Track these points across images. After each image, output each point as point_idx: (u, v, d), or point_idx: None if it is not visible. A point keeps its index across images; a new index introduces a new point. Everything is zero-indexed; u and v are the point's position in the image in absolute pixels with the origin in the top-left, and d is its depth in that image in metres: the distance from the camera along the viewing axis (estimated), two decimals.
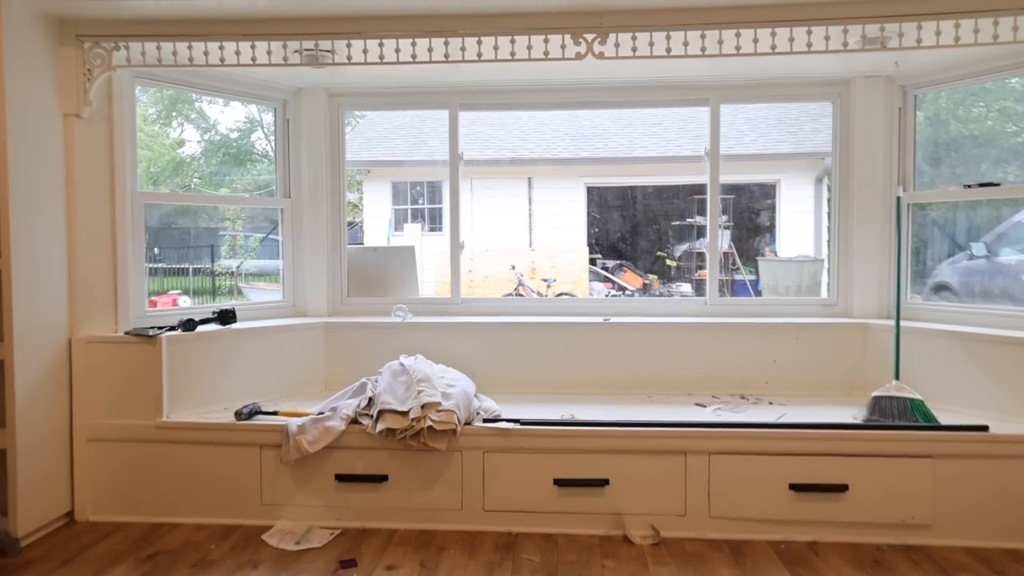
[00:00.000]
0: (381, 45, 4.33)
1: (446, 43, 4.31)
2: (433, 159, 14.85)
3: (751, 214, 16.40)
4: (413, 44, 4.32)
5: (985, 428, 4.11)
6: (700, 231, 15.52)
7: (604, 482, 4.23)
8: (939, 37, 4.07)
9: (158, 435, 4.43)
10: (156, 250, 11.66)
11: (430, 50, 4.33)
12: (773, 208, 15.96)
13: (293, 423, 4.30)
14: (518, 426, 4.30)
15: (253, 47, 4.37)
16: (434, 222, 16.96)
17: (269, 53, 4.44)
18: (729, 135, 13.12)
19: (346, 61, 4.44)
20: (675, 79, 5.36)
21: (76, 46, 4.31)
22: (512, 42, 4.27)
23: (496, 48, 4.28)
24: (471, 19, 4.23)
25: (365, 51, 4.36)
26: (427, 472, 4.31)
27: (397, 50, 4.36)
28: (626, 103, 5.87)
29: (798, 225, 15.14)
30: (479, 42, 4.28)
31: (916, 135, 5.24)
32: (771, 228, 16.03)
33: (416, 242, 13.77)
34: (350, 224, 14.35)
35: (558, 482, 4.25)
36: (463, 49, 4.37)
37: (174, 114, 15.48)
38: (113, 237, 4.56)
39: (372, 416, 4.32)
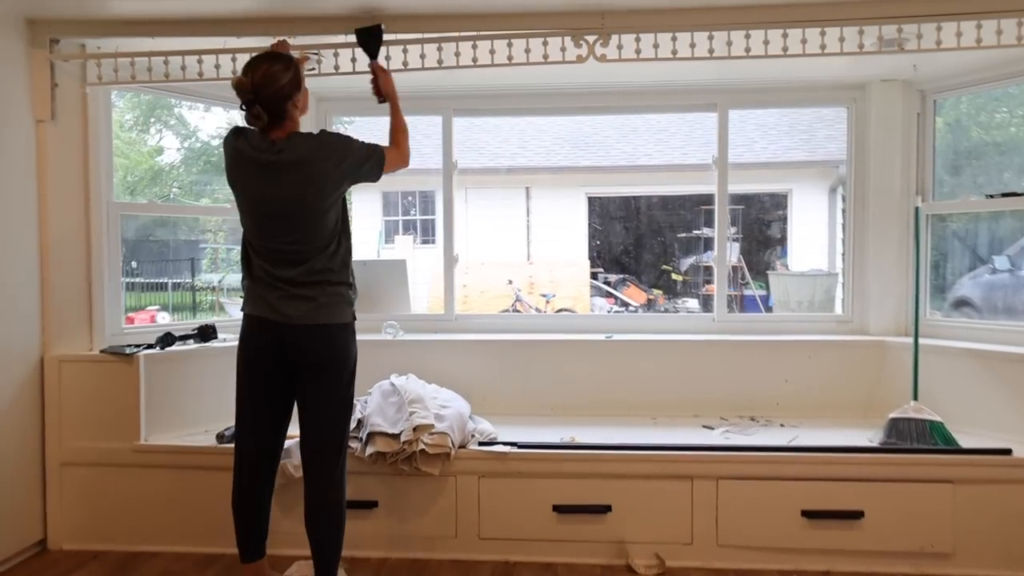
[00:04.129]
0: None
1: (439, 48, 4.32)
2: (426, 167, 14.71)
3: (761, 225, 16.43)
4: (404, 51, 4.35)
5: (1008, 452, 4.12)
6: (707, 243, 15.54)
7: (606, 508, 4.24)
8: (960, 39, 4.08)
9: (136, 459, 4.43)
10: (133, 264, 11.66)
11: (422, 56, 4.35)
12: (784, 219, 15.99)
13: None
14: (515, 449, 4.31)
15: (234, 59, 4.38)
16: (427, 234, 16.97)
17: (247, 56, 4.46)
18: (738, 142, 13.14)
19: (333, 71, 4.45)
20: (681, 83, 5.38)
21: (48, 49, 4.33)
22: (509, 45, 4.28)
23: (492, 52, 4.29)
24: (465, 19, 4.24)
25: (354, 59, 4.37)
26: (419, 498, 4.32)
27: (387, 57, 4.37)
28: (629, 108, 5.91)
29: (811, 237, 15.16)
30: (474, 46, 4.29)
31: (935, 142, 5.26)
32: (782, 240, 16.05)
33: (408, 255, 13.77)
34: None
35: (557, 508, 4.25)
36: (457, 55, 4.38)
37: (152, 120, 15.48)
38: (88, 250, 4.57)
39: (361, 439, 4.32)
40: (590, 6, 4.14)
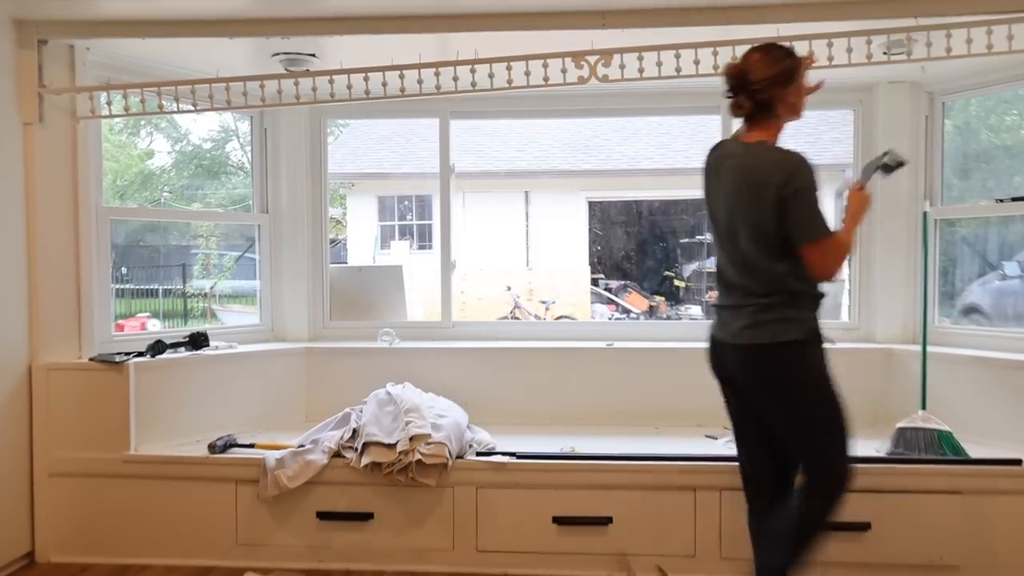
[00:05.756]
0: (367, 79, 4.40)
1: (436, 73, 4.35)
2: (423, 171, 14.87)
3: None
4: (401, 76, 4.36)
5: (1019, 462, 4.12)
6: (711, 249, 15.55)
7: (607, 520, 4.24)
8: (970, 45, 4.00)
9: (125, 469, 4.43)
10: (123, 270, 11.66)
11: (419, 82, 4.39)
12: None
13: (271, 456, 4.30)
14: (514, 459, 4.31)
15: (227, 88, 4.43)
16: (423, 239, 16.99)
17: (245, 95, 4.48)
18: None
19: (327, 79, 4.45)
20: (683, 85, 5.38)
21: (37, 50, 4.34)
22: (508, 68, 4.32)
23: (491, 76, 4.30)
24: (463, 19, 4.24)
25: (349, 86, 4.39)
26: (416, 509, 4.32)
27: (384, 84, 4.39)
28: (631, 111, 5.91)
29: None
30: (472, 71, 4.36)
31: (944, 145, 5.26)
32: None
33: (404, 261, 13.78)
34: (333, 242, 14.37)
35: (557, 520, 4.25)
36: (455, 79, 4.39)
37: (142, 123, 15.50)
38: (76, 256, 4.56)
39: (356, 449, 4.32)
40: (590, 6, 4.14)
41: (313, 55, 4.62)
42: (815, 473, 3.39)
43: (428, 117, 5.74)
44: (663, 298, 16.30)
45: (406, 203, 17.47)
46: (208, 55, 4.65)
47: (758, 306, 3.31)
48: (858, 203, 3.52)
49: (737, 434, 3.62)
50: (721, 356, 3.49)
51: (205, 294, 13.24)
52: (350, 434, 4.44)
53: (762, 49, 3.35)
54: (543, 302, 14.21)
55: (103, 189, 4.77)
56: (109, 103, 4.47)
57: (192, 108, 4.53)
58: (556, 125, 16.04)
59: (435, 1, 4.11)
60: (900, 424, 4.47)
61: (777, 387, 3.34)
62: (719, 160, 3.43)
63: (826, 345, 3.37)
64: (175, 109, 4.56)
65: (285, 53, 4.59)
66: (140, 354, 4.61)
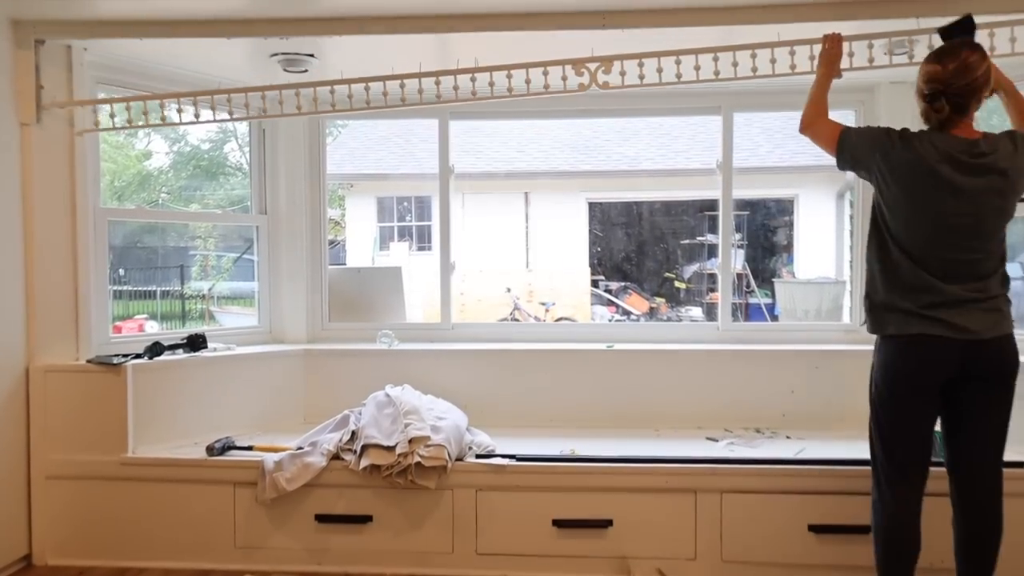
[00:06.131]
0: (367, 89, 4.40)
1: (437, 82, 4.34)
2: (422, 172, 14.85)
3: (767, 232, 16.45)
4: (402, 86, 4.35)
5: (1021, 464, 4.11)
6: (711, 250, 15.57)
7: (607, 523, 4.24)
8: None
9: (123, 472, 4.42)
10: (121, 271, 11.65)
11: (420, 91, 4.41)
12: (791, 225, 16.00)
13: (270, 459, 4.30)
14: (514, 462, 4.31)
15: (229, 100, 4.44)
16: (423, 240, 16.99)
17: (247, 107, 4.51)
18: (743, 146, 13.14)
19: (328, 90, 4.46)
20: (684, 85, 5.37)
21: (34, 50, 4.34)
22: (508, 77, 4.32)
23: (492, 85, 4.30)
24: (463, 19, 4.25)
25: (350, 96, 4.39)
26: (415, 512, 4.31)
27: (385, 93, 4.39)
28: (631, 111, 5.89)
29: (818, 244, 15.16)
30: (473, 79, 4.34)
31: None
32: (788, 247, 16.07)
33: (403, 262, 13.77)
34: (331, 243, 14.36)
35: (557, 523, 4.25)
36: (456, 88, 4.38)
37: (140, 122, 15.48)
38: (74, 257, 4.56)
39: (355, 451, 4.32)
40: (590, 6, 4.14)
41: (311, 55, 4.62)
42: (1001, 467, 3.55)
43: (427, 118, 5.72)
44: (663, 300, 16.31)
45: (405, 204, 17.47)
46: (206, 55, 4.67)
47: (1003, 297, 3.42)
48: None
49: (915, 436, 3.57)
50: (957, 352, 3.35)
51: (203, 295, 13.23)
52: (349, 436, 4.44)
53: (965, 49, 3.35)
54: (543, 303, 14.21)
55: (101, 190, 4.76)
56: (102, 115, 4.47)
57: (194, 120, 4.51)
58: (556, 126, 16.04)
59: (435, 1, 4.11)
60: None
61: (1015, 377, 3.42)
62: (954, 155, 3.28)
63: None
64: (174, 121, 4.57)
65: (284, 53, 4.59)
66: (138, 356, 4.60)
